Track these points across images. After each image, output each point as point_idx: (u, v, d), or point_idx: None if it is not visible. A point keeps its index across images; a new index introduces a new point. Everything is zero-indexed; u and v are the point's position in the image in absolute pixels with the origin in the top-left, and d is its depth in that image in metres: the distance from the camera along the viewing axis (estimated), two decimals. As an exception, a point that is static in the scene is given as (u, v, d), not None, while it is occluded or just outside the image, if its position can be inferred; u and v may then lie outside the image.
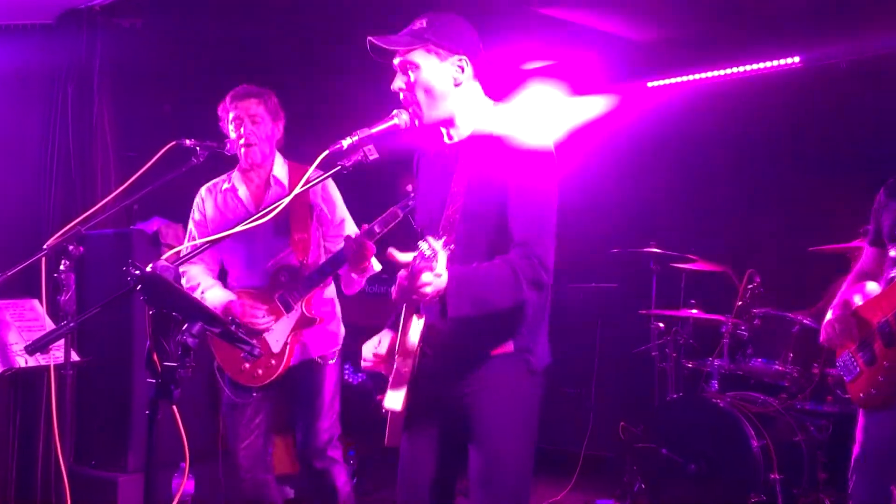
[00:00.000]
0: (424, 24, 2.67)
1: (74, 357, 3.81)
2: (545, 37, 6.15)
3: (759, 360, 5.03)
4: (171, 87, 6.19)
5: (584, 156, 6.48)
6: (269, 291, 3.78)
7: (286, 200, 2.68)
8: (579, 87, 6.96)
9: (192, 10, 5.61)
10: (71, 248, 3.26)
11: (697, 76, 6.61)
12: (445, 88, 2.68)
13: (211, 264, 4.04)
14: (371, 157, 2.61)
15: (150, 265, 2.14)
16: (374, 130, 2.63)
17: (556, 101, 6.80)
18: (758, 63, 6.28)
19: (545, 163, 2.62)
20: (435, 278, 2.33)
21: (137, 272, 2.09)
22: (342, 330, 4.00)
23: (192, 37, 5.99)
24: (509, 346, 2.64)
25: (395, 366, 2.59)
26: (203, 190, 4.06)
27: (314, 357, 3.85)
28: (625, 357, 6.08)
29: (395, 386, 2.56)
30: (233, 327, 2.13)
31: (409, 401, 2.57)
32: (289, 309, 3.74)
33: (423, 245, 2.29)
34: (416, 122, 2.69)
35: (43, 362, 3.74)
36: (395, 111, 2.67)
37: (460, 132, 2.74)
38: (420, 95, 2.67)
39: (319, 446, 3.81)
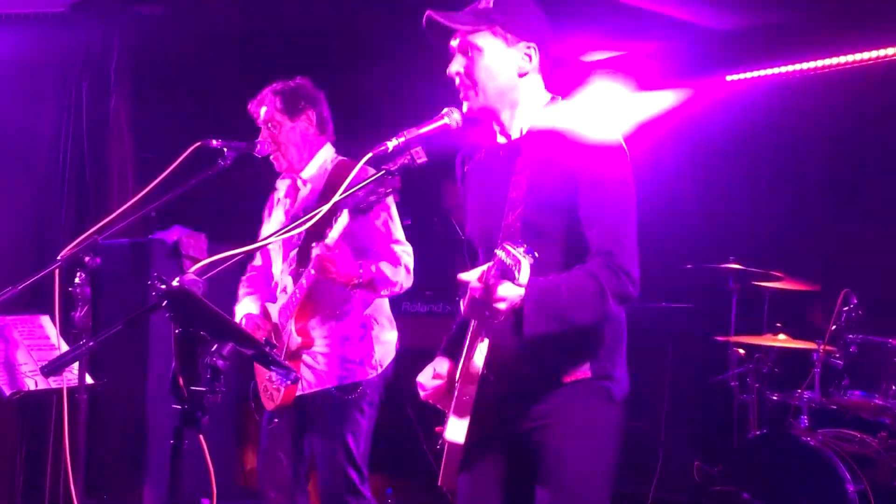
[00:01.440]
0: (491, 4, 2.66)
1: (88, 380, 3.88)
2: (609, 24, 6.15)
3: (856, 392, 4.95)
4: (194, 83, 6.31)
5: (654, 159, 6.46)
6: (276, 306, 3.84)
7: (315, 216, 2.68)
8: (648, 82, 6.94)
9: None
10: (87, 259, 3.33)
11: (785, 69, 6.55)
12: (509, 78, 2.68)
13: (264, 281, 4.11)
14: (419, 161, 2.64)
15: (177, 279, 2.18)
16: (422, 130, 2.65)
17: (621, 97, 6.79)
18: (857, 54, 6.20)
19: (618, 158, 2.60)
20: (513, 291, 2.32)
21: (164, 286, 2.14)
22: (378, 359, 3.87)
23: (218, 26, 6.10)
24: (585, 371, 2.60)
25: (455, 393, 2.60)
26: (275, 194, 4.19)
27: (331, 388, 3.80)
28: (700, 388, 6.02)
29: (458, 414, 2.55)
30: (267, 348, 2.16)
31: (470, 434, 2.55)
32: (284, 328, 3.76)
33: (500, 253, 2.27)
34: (469, 109, 2.68)
35: (55, 385, 3.82)
36: (445, 109, 2.69)
37: (515, 129, 2.73)
38: (480, 83, 2.66)
39: (336, 491, 3.75)
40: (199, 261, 4.83)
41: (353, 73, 6.85)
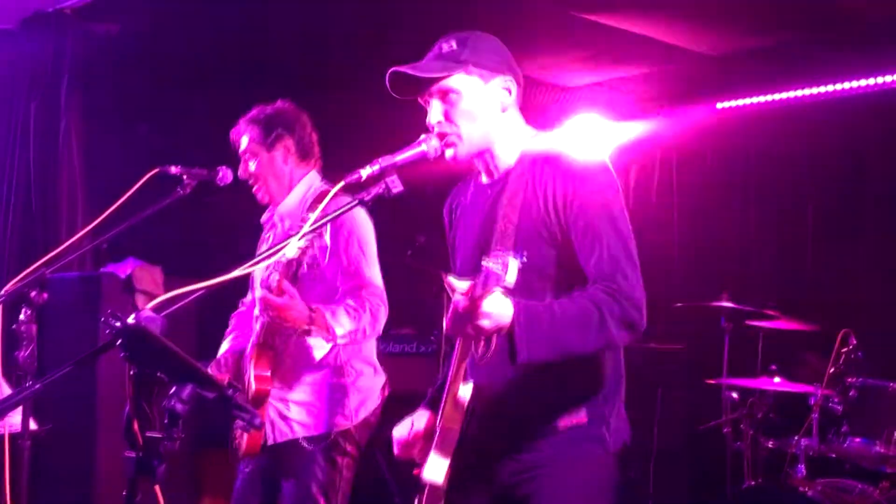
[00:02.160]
0: (454, 45, 2.66)
1: (31, 425, 3.83)
2: (592, 49, 6.20)
3: (857, 439, 4.95)
4: (149, 105, 6.30)
5: (641, 191, 6.52)
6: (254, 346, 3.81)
7: (280, 250, 2.67)
8: (635, 109, 7.01)
9: (179, 13, 5.70)
10: (33, 294, 3.28)
11: (778, 96, 6.65)
12: (492, 115, 2.69)
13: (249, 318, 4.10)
14: (395, 190, 2.62)
15: (133, 315, 2.16)
16: (398, 158, 2.63)
17: (606, 125, 6.84)
18: (854, 81, 6.30)
19: (606, 181, 2.60)
20: (499, 307, 2.29)
21: (118, 324, 2.11)
22: (353, 408, 3.77)
23: (177, 45, 6.09)
24: (581, 417, 2.58)
25: (438, 427, 2.57)
26: None
27: (299, 438, 3.74)
28: (691, 435, 6.02)
29: (439, 451, 2.53)
30: (230, 391, 2.14)
31: (452, 476, 2.51)
32: (244, 375, 3.73)
33: (486, 261, 2.24)
34: (453, 156, 2.68)
35: (-5, 431, 3.75)
36: (423, 136, 2.69)
37: (501, 166, 2.74)
38: (463, 126, 2.66)
39: None
40: (154, 296, 4.82)
41: (320, 98, 6.86)
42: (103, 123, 5.98)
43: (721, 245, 6.76)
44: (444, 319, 2.45)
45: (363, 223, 3.79)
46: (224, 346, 4.01)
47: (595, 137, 6.67)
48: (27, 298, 3.29)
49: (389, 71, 2.64)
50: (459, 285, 2.33)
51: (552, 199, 2.58)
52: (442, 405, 2.62)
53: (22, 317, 3.31)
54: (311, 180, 3.92)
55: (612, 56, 6.37)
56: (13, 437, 3.49)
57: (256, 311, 3.87)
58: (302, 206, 3.84)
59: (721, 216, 6.85)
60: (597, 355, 2.57)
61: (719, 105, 6.95)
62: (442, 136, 2.68)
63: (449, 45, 2.68)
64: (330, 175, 3.96)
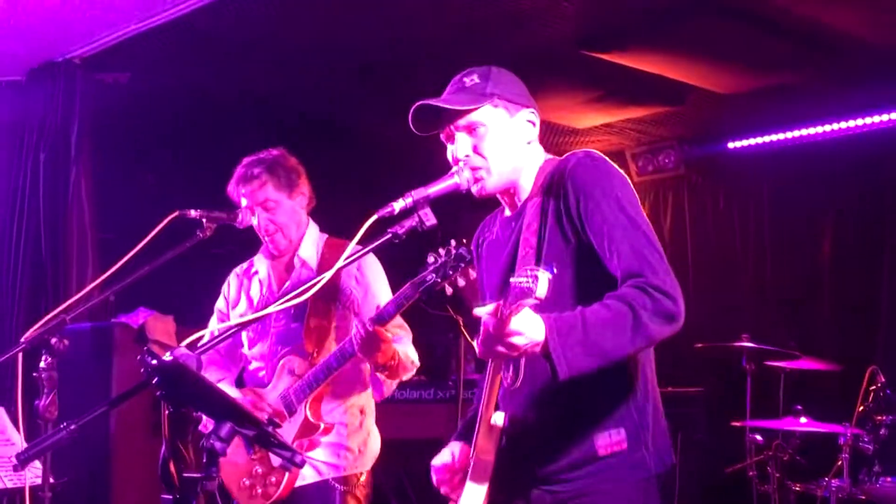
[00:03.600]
0: (477, 79, 2.68)
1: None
2: (602, 89, 6.23)
3: (889, 479, 4.90)
4: (159, 153, 6.31)
5: (656, 229, 6.51)
6: (275, 390, 3.76)
7: (317, 284, 2.64)
8: (648, 149, 7.03)
9: (187, 63, 5.75)
10: (54, 341, 3.23)
11: (791, 134, 6.68)
12: (518, 148, 2.69)
13: (227, 363, 4.05)
14: (428, 224, 2.60)
15: (169, 353, 2.13)
16: (431, 191, 2.62)
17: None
18: (870, 116, 6.33)
19: (612, 174, 2.56)
20: (530, 324, 2.24)
21: (155, 362, 2.08)
22: (374, 447, 3.88)
23: (186, 95, 6.13)
24: (621, 442, 2.51)
25: (472, 458, 2.53)
26: (231, 275, 4.12)
27: (329, 479, 3.73)
28: (715, 478, 5.95)
29: (475, 481, 2.48)
30: (270, 428, 2.10)
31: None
32: (291, 412, 3.69)
33: (516, 279, 2.18)
34: (480, 190, 2.67)
35: (15, 483, 3.69)
36: (455, 168, 2.68)
37: (523, 197, 2.73)
38: (492, 159, 2.65)
39: None
40: (166, 346, 4.79)
41: (334, 143, 6.91)
42: (113, 172, 5.98)
43: (738, 284, 6.74)
44: (475, 343, 2.37)
45: (376, 262, 3.85)
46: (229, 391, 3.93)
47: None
48: (48, 345, 3.24)
49: (416, 105, 2.63)
50: (485, 309, 2.28)
51: (564, 210, 2.55)
52: (475, 435, 2.59)
53: (42, 364, 3.25)
54: (314, 229, 3.97)
55: (623, 96, 6.40)
56: (33, 490, 3.44)
57: (251, 355, 3.88)
58: (316, 252, 3.90)
59: (737, 255, 6.84)
60: (625, 369, 2.50)
61: (731, 144, 6.97)
62: (473, 168, 2.66)
63: (471, 79, 2.68)
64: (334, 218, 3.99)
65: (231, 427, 2.11)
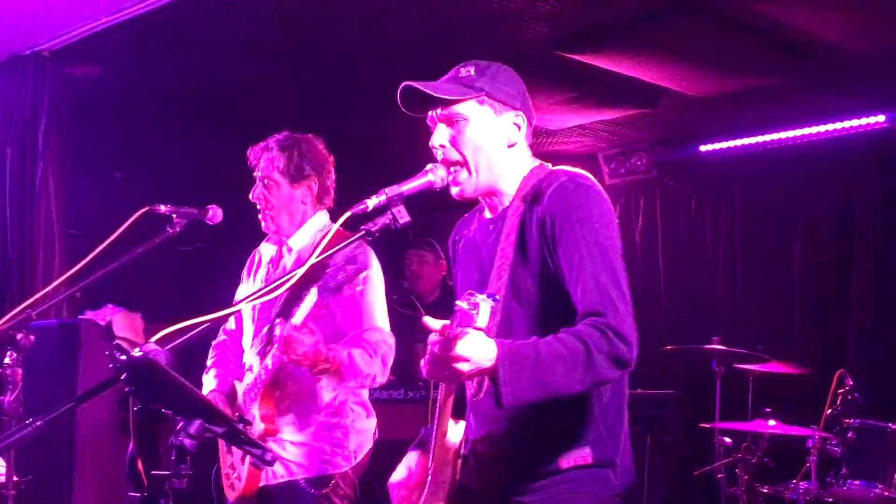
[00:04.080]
0: (472, 72, 2.66)
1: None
2: (576, 91, 6.24)
3: (857, 482, 4.94)
4: (129, 148, 6.27)
5: (628, 232, 6.53)
6: (241, 386, 3.74)
7: (284, 283, 2.62)
8: (620, 151, 7.05)
9: (159, 57, 5.70)
10: (20, 336, 3.21)
11: (762, 138, 6.72)
12: (497, 149, 2.67)
13: (234, 352, 4.03)
14: (402, 221, 2.59)
15: (138, 348, 2.11)
16: (405, 188, 2.61)
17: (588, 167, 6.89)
18: (836, 122, 6.39)
19: (597, 204, 2.54)
20: (477, 349, 2.24)
21: (124, 357, 2.06)
22: (353, 449, 3.77)
23: (158, 88, 6.08)
24: (586, 456, 2.51)
25: (429, 477, 2.53)
26: (254, 253, 4.10)
27: (300, 480, 3.68)
28: (683, 481, 5.98)
29: (432, 499, 2.48)
30: (240, 425, 2.08)
31: None
32: (250, 416, 3.62)
33: (461, 303, 2.20)
34: (459, 193, 2.67)
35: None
36: (429, 165, 2.67)
37: (504, 202, 2.71)
38: (468, 154, 2.65)
39: None
40: (135, 343, 4.74)
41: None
42: (81, 167, 5.93)
43: (709, 287, 6.78)
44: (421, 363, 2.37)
45: (377, 266, 3.77)
46: (209, 384, 3.91)
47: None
48: (13, 341, 3.22)
49: (402, 85, 2.62)
50: (434, 324, 2.28)
51: (539, 230, 2.54)
52: (432, 449, 2.58)
53: (7, 360, 3.23)
54: (320, 219, 3.89)
55: (596, 98, 6.41)
56: (-4, 486, 3.40)
57: (246, 350, 3.83)
58: (312, 243, 3.81)
59: (707, 258, 6.87)
60: (596, 389, 2.50)
61: (703, 147, 7.01)
62: (447, 163, 2.66)
63: (467, 71, 2.67)
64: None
65: (201, 424, 2.10)
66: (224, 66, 5.88)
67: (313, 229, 3.87)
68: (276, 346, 3.49)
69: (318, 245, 3.64)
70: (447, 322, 2.27)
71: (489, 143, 2.66)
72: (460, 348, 2.22)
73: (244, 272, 4.10)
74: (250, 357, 3.82)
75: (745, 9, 4.97)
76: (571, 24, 5.28)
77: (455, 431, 2.54)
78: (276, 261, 3.95)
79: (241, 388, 3.76)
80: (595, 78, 5.96)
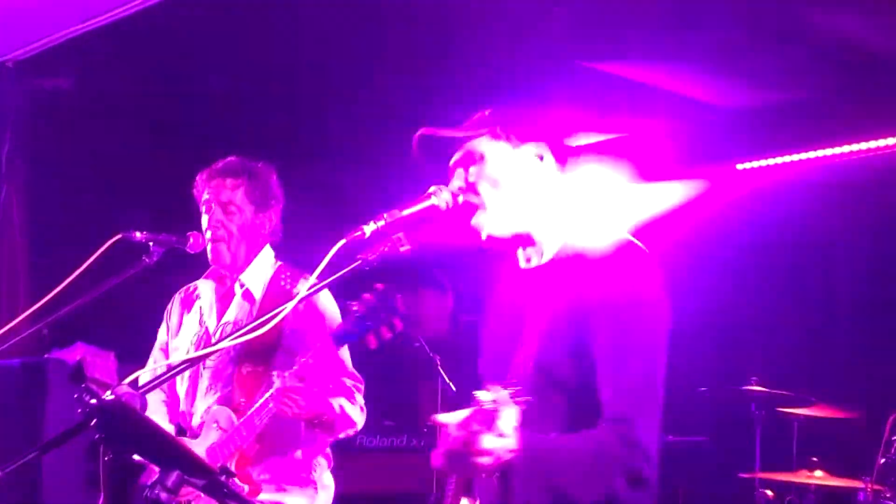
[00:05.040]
0: (487, 113, 2.70)
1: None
2: (601, 101, 6.26)
3: (914, 539, 4.93)
4: (100, 171, 6.29)
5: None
6: (202, 443, 3.69)
7: (273, 318, 2.61)
8: (649, 170, 7.05)
9: (136, 66, 5.73)
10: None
11: (805, 156, 6.71)
12: (518, 185, 2.66)
13: (173, 396, 4.03)
14: (402, 249, 2.60)
15: (110, 392, 2.12)
16: (406, 213, 2.61)
17: (617, 187, 6.88)
18: (885, 139, 6.37)
19: (652, 284, 2.52)
20: (499, 444, 2.22)
21: (94, 401, 2.06)
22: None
23: (132, 105, 6.11)
24: None
25: None
26: (176, 296, 4.11)
27: None
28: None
29: None
30: (223, 477, 2.08)
31: None
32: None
33: (482, 395, 2.19)
34: (486, 238, 2.66)
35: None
36: (433, 188, 2.66)
37: (543, 251, 2.69)
38: (486, 193, 2.64)
39: None
40: (107, 385, 4.71)
41: (296, 165, 6.90)
42: (49, 190, 5.95)
43: (745, 322, 6.75)
44: (432, 454, 2.34)
45: (331, 303, 3.85)
46: (156, 409, 3.94)
47: (604, 199, 6.70)
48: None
49: (417, 134, 2.66)
50: (451, 419, 2.27)
51: (582, 305, 2.50)
52: None
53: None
54: (270, 255, 3.97)
55: (622, 111, 6.44)
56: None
57: (185, 399, 3.87)
58: (263, 280, 3.89)
59: (744, 289, 6.85)
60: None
61: (740, 166, 7.00)
62: (466, 208, 2.65)
63: (481, 114, 2.70)
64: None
65: (179, 476, 2.09)
66: (205, 78, 5.91)
67: (266, 264, 3.94)
68: (270, 398, 3.51)
69: (273, 286, 3.81)
70: (465, 414, 2.24)
71: (507, 179, 2.65)
72: (487, 443, 2.21)
73: (175, 314, 4.06)
74: (201, 404, 3.82)
75: (787, 15, 4.98)
76: (593, 31, 5.31)
77: None
78: (224, 299, 3.95)
79: (198, 445, 3.71)
80: (619, 89, 5.98)
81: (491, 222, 2.65)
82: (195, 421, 3.81)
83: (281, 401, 3.47)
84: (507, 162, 2.66)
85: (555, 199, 2.70)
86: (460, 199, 2.65)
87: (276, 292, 3.85)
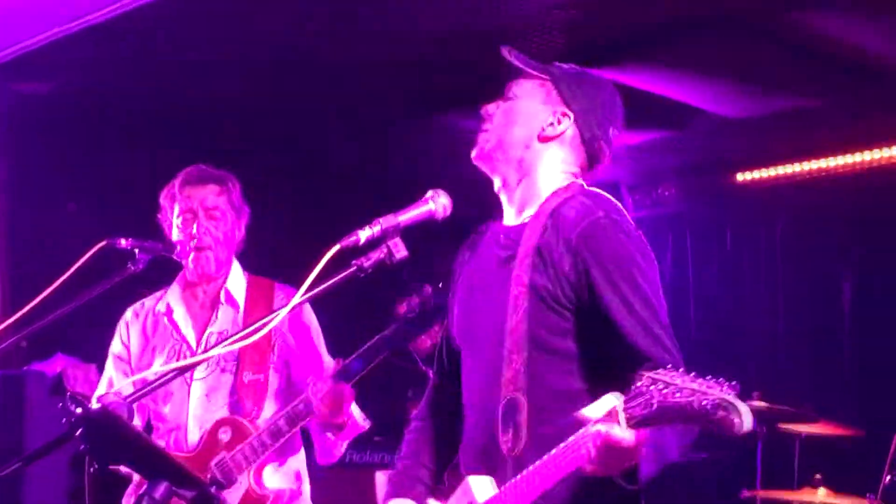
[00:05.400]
0: (564, 64, 2.83)
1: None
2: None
3: (921, 560, 4.93)
4: (84, 175, 6.28)
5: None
6: (205, 456, 3.69)
7: (269, 322, 2.61)
8: (646, 180, 7.07)
9: (120, 70, 5.72)
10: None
11: (808, 165, 6.73)
12: (526, 133, 2.77)
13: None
14: (398, 255, 2.60)
15: (96, 400, 2.11)
16: (401, 219, 2.62)
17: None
18: (892, 148, 6.40)
19: (636, 242, 2.65)
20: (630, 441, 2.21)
21: (80, 410, 2.05)
22: None
23: (115, 111, 6.11)
24: None
25: None
26: (129, 313, 4.06)
27: None
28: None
29: None
30: (213, 489, 2.08)
31: None
32: (230, 482, 3.62)
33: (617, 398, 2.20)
34: (475, 154, 2.78)
35: None
36: (429, 193, 2.69)
37: (526, 208, 2.76)
38: (497, 124, 2.78)
39: None
40: (87, 398, 4.71)
41: (282, 174, 6.93)
42: (29, 198, 5.94)
43: (747, 336, 6.77)
44: (587, 460, 2.29)
45: (312, 314, 3.93)
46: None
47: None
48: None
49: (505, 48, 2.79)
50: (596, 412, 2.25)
51: (566, 261, 2.58)
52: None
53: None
54: (237, 264, 3.99)
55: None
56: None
57: (172, 416, 3.85)
58: (241, 289, 3.92)
59: (745, 302, 6.87)
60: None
61: (740, 176, 7.02)
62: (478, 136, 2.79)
63: (561, 63, 2.84)
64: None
65: (167, 487, 2.09)
66: (194, 81, 5.91)
67: (239, 273, 3.97)
68: (307, 402, 3.54)
69: (252, 295, 3.88)
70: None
71: (520, 123, 2.77)
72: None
73: (134, 335, 4.02)
74: (197, 417, 3.81)
75: (790, 21, 4.99)
76: (590, 36, 5.32)
77: (482, 483, 2.56)
78: (202, 309, 3.95)
79: (206, 456, 3.71)
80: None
81: (486, 144, 2.78)
82: (192, 435, 3.78)
83: (322, 398, 3.49)
84: (529, 108, 2.77)
85: (553, 161, 2.78)
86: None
87: (256, 300, 3.88)
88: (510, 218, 2.81)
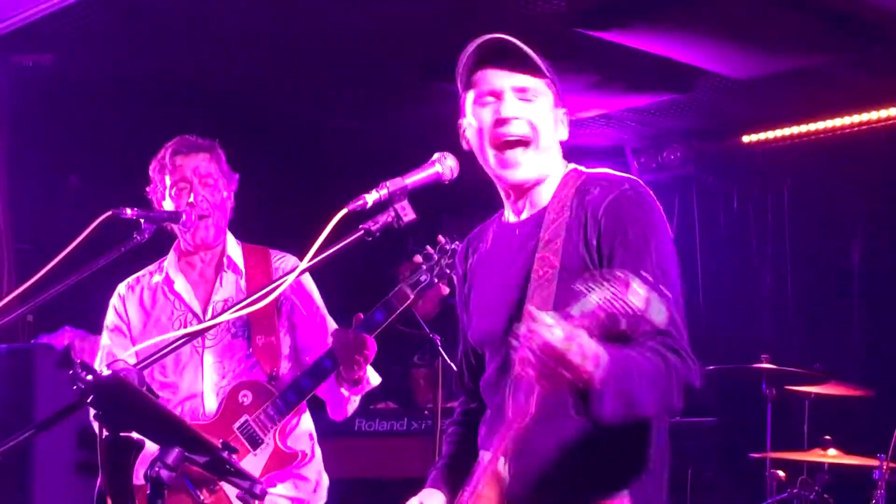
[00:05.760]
0: (538, 56, 2.70)
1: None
2: (600, 74, 6.24)
3: (932, 518, 4.95)
4: (85, 148, 6.27)
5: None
6: (227, 421, 3.73)
7: (279, 286, 2.62)
8: (651, 143, 7.04)
9: (122, 42, 5.70)
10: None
11: (815, 126, 6.71)
12: (554, 138, 2.72)
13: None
14: (406, 218, 2.60)
15: (107, 367, 2.12)
16: (409, 181, 2.62)
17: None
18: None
19: (655, 213, 2.62)
20: (594, 350, 2.19)
21: (91, 377, 2.06)
22: (325, 481, 3.93)
23: (117, 83, 6.10)
24: (623, 500, 2.51)
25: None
26: (122, 287, 4.06)
27: None
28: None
29: None
30: (224, 454, 2.09)
31: None
32: (256, 443, 3.69)
33: (594, 287, 2.17)
34: (518, 174, 2.69)
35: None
36: (436, 155, 2.68)
37: (536, 203, 2.73)
38: (542, 130, 2.67)
39: None
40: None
41: (279, 145, 6.93)
42: (32, 171, 5.94)
43: (755, 298, 6.77)
44: (515, 358, 2.28)
45: (311, 279, 3.96)
46: None
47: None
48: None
49: (496, 36, 2.64)
50: (545, 314, 2.21)
51: (593, 241, 2.57)
52: (474, 483, 2.54)
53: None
54: (229, 233, 4.01)
55: (623, 82, 6.42)
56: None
57: (185, 385, 3.86)
58: (239, 255, 3.95)
59: (752, 265, 6.87)
60: (645, 427, 2.53)
61: (746, 138, 7.00)
62: (505, 140, 2.65)
63: (533, 51, 2.67)
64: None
65: (180, 452, 2.10)
66: (195, 52, 5.90)
67: (233, 240, 3.99)
68: (328, 357, 3.63)
69: (250, 263, 3.91)
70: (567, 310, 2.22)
71: (553, 128, 2.70)
72: (587, 346, 2.18)
73: (132, 310, 4.01)
74: (213, 383, 3.83)
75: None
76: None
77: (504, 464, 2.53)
78: (203, 277, 3.96)
79: (229, 420, 3.75)
80: (620, 59, 5.96)
81: (534, 159, 2.68)
82: (209, 402, 3.80)
83: (347, 350, 3.55)
84: (551, 113, 2.69)
85: (561, 160, 2.76)
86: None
87: (255, 265, 3.92)
88: (520, 214, 2.77)
